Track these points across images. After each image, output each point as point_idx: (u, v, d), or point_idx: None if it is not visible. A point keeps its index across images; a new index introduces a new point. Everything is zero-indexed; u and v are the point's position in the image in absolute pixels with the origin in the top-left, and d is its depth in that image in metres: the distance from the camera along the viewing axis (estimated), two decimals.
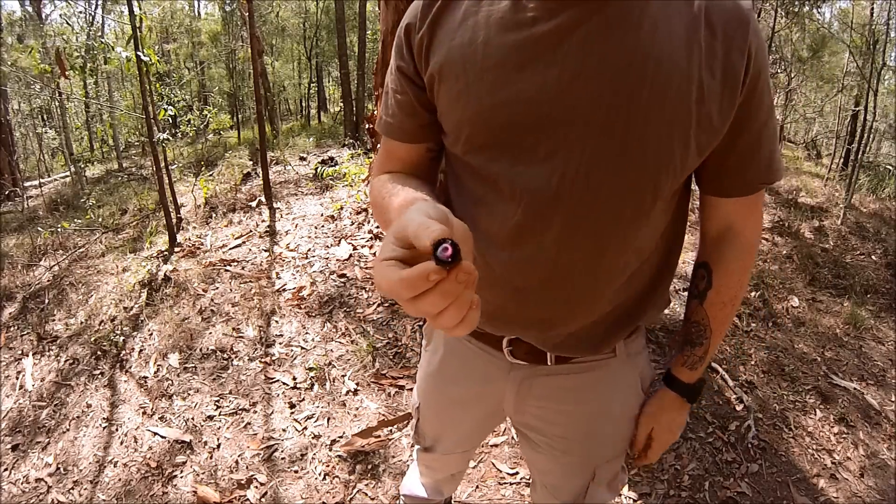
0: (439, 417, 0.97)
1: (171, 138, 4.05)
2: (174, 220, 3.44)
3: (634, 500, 1.64)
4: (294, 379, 2.14)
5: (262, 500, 1.67)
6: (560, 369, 0.78)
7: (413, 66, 0.68)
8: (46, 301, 2.86)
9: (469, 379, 0.86)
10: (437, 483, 1.24)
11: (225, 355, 2.30)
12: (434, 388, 0.93)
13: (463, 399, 0.89)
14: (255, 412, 2.01)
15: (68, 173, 7.05)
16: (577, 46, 0.57)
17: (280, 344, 2.35)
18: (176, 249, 3.27)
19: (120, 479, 1.78)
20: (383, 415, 1.96)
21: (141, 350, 2.38)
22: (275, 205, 3.82)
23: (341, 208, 3.57)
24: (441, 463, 1.12)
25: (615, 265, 0.66)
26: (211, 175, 4.85)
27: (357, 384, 2.11)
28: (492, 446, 1.84)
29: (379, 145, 0.78)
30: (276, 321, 2.48)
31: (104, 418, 2.04)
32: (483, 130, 0.63)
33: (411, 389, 2.07)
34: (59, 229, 3.57)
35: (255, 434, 1.91)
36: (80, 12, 8.07)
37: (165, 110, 3.64)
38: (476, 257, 0.67)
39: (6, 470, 1.88)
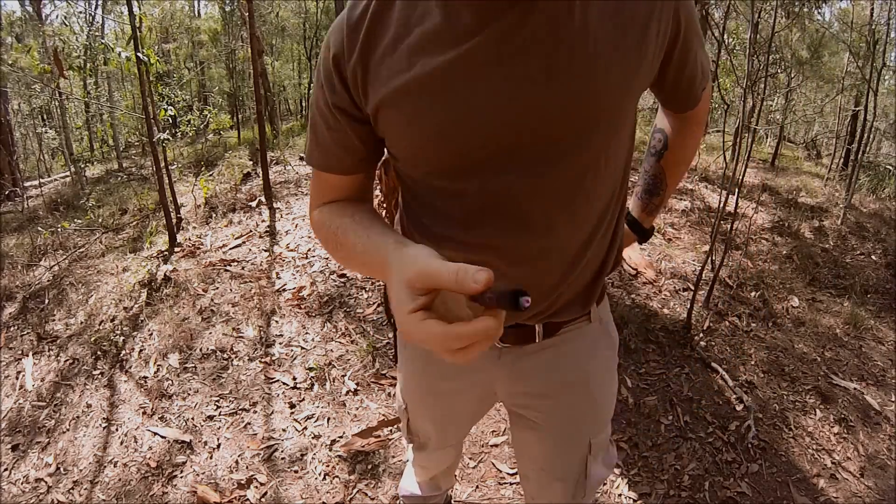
0: (431, 413, 0.98)
1: (171, 138, 4.06)
2: (174, 220, 3.44)
3: (634, 500, 1.64)
4: (294, 379, 2.14)
5: (262, 500, 1.67)
6: (545, 343, 0.80)
7: (349, 99, 0.64)
8: (46, 301, 2.86)
9: (458, 371, 0.86)
10: (434, 479, 1.25)
11: (225, 355, 2.30)
12: (423, 386, 0.93)
13: (454, 391, 0.90)
14: (255, 412, 2.01)
15: (68, 173, 7.04)
16: (517, 51, 0.56)
17: (280, 344, 2.35)
18: (176, 249, 3.27)
19: (120, 479, 1.78)
20: (383, 415, 1.96)
21: (141, 350, 2.38)
22: (275, 205, 3.82)
23: None
24: (436, 458, 1.13)
25: (587, 224, 0.70)
26: (211, 175, 4.86)
27: (357, 384, 2.11)
28: (492, 446, 1.84)
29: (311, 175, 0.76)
30: (276, 321, 2.48)
31: (104, 418, 2.04)
32: (446, 154, 0.63)
33: None
34: (59, 229, 3.57)
35: (255, 434, 1.91)
36: (80, 12, 8.07)
37: (165, 110, 3.64)
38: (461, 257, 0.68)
39: (6, 470, 1.88)
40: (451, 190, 0.65)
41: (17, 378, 2.33)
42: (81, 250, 3.48)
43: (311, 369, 2.18)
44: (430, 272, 0.44)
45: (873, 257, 3.32)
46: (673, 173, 0.89)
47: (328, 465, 1.77)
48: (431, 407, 0.96)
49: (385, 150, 0.71)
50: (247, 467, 1.79)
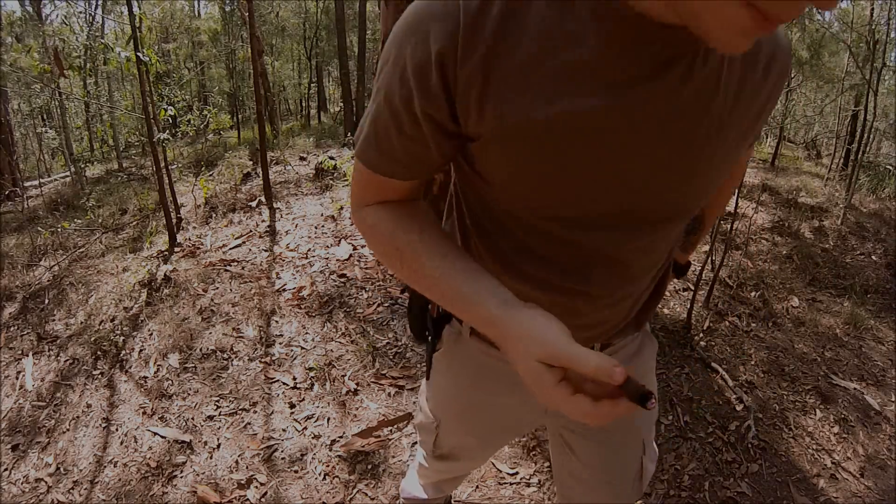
0: (476, 428, 0.95)
1: (171, 138, 4.06)
2: (174, 220, 3.44)
3: None
4: (294, 379, 2.14)
5: (262, 500, 1.67)
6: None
7: (447, 110, 0.52)
8: (46, 301, 2.86)
9: (513, 387, 0.83)
10: (439, 483, 1.24)
11: (225, 355, 2.30)
12: (472, 401, 0.90)
13: (506, 406, 0.88)
14: (255, 412, 2.01)
15: (68, 173, 7.05)
16: (671, 114, 0.52)
17: (280, 344, 2.35)
18: (176, 249, 3.27)
19: (120, 479, 1.78)
20: (383, 415, 1.96)
21: (141, 350, 2.38)
22: (275, 205, 3.82)
23: (341, 208, 3.57)
24: (460, 468, 1.12)
25: (663, 256, 0.71)
26: (211, 175, 4.86)
27: (357, 384, 2.11)
28: None
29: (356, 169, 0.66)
30: (276, 321, 2.48)
31: (104, 418, 2.04)
32: (573, 203, 0.57)
33: (412, 389, 2.06)
34: (59, 229, 3.57)
35: (255, 434, 1.91)
36: (80, 12, 8.07)
37: (165, 110, 3.64)
38: (536, 292, 0.67)
39: (6, 470, 1.88)
40: (559, 237, 0.61)
41: (17, 378, 2.33)
42: (81, 250, 3.48)
43: (311, 369, 2.18)
44: (570, 359, 0.46)
45: (873, 257, 3.32)
46: (712, 213, 0.91)
47: (328, 465, 1.77)
48: (477, 422, 0.93)
49: (465, 165, 0.61)
50: (247, 467, 1.79)
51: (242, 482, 1.73)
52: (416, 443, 1.82)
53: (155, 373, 2.23)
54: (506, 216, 0.62)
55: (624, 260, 0.64)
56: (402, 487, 1.36)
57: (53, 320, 2.70)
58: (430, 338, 0.87)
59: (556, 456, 0.97)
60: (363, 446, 1.82)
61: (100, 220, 4.03)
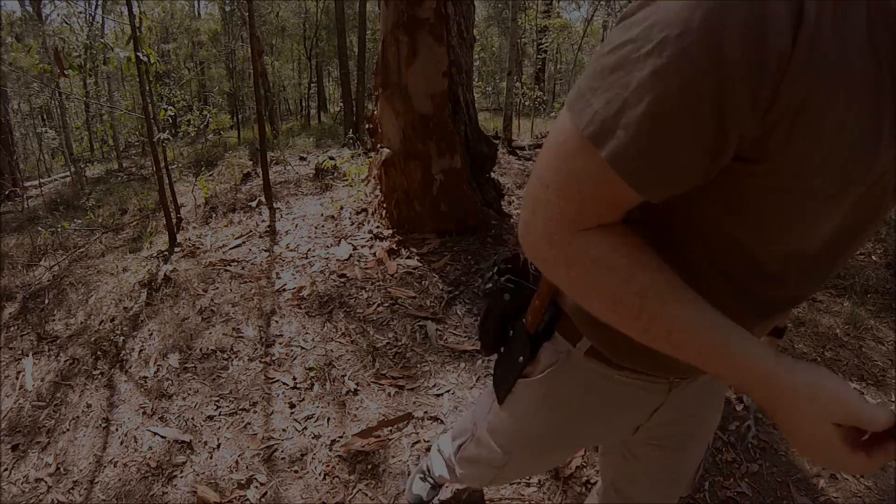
0: (557, 451, 0.89)
1: (171, 138, 4.06)
2: (174, 220, 3.44)
3: None
4: (294, 379, 2.14)
5: (262, 500, 1.67)
6: None
7: (759, 125, 0.41)
8: (46, 301, 2.86)
9: (617, 408, 0.77)
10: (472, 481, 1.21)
11: (225, 355, 2.30)
12: (566, 429, 0.82)
13: (607, 425, 0.81)
14: (255, 412, 2.01)
15: (68, 173, 7.06)
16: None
17: (280, 344, 2.35)
18: (176, 249, 3.28)
19: (120, 479, 1.78)
20: (383, 415, 1.96)
21: (141, 350, 2.38)
22: (275, 205, 3.82)
23: (341, 208, 3.57)
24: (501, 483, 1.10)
25: None
26: (211, 175, 4.86)
27: (357, 384, 2.11)
28: None
29: (560, 175, 0.49)
30: (276, 321, 2.48)
31: (104, 418, 2.04)
32: (804, 245, 0.53)
33: (412, 389, 2.06)
34: (59, 229, 3.57)
35: (255, 434, 1.91)
36: (80, 12, 8.08)
37: (165, 110, 3.64)
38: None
39: (6, 470, 1.88)
40: (768, 271, 0.55)
41: (17, 378, 2.33)
42: (81, 250, 3.48)
43: (311, 369, 2.18)
44: (865, 419, 0.46)
45: (873, 257, 3.32)
46: None
47: (328, 465, 1.77)
48: (564, 446, 0.87)
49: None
50: (247, 467, 1.79)
51: (242, 482, 1.73)
52: (416, 443, 1.82)
53: (155, 373, 2.23)
54: (725, 238, 0.53)
55: (803, 298, 0.65)
56: (433, 472, 1.30)
57: (53, 320, 2.70)
58: (520, 359, 0.76)
59: (611, 459, 0.94)
60: (363, 446, 1.82)
61: (100, 220, 4.03)
